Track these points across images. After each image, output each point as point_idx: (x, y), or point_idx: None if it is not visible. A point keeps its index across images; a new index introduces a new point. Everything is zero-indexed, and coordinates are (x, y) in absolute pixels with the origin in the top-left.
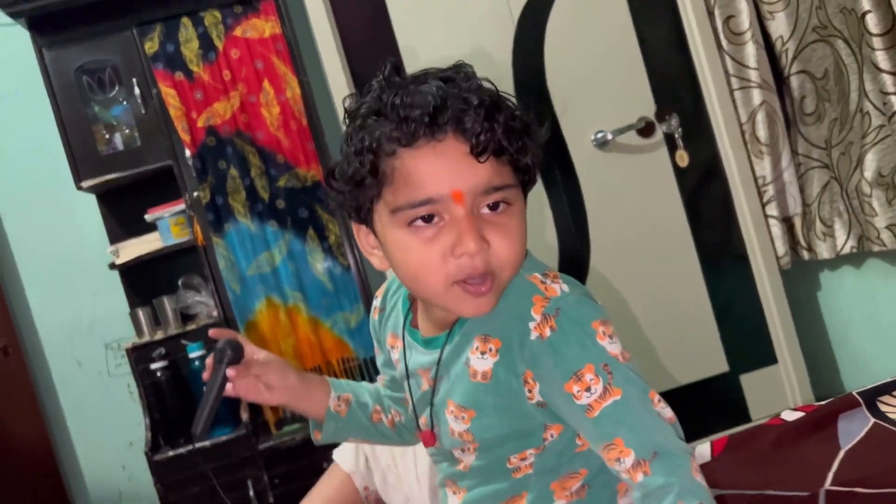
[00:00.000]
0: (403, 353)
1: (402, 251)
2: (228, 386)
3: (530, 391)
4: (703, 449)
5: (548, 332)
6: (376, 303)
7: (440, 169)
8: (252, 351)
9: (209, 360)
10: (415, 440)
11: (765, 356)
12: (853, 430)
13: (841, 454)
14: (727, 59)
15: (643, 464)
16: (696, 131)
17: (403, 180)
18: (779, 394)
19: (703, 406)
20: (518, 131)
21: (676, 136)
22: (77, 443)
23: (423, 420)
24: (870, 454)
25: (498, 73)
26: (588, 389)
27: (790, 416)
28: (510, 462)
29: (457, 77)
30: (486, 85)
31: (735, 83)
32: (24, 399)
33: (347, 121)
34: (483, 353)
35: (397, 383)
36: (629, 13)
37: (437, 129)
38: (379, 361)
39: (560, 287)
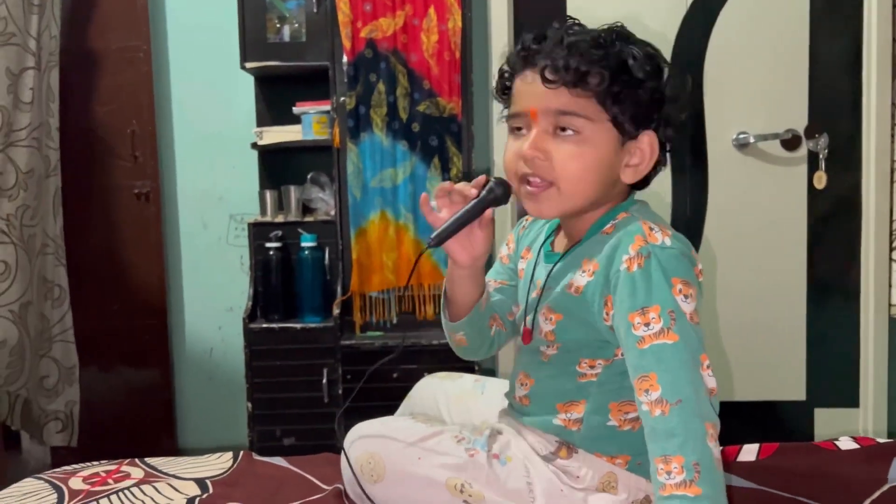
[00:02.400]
0: (533, 264)
1: (505, 150)
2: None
3: (607, 314)
4: (751, 448)
5: (634, 267)
6: (525, 222)
7: (525, 92)
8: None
9: (471, 187)
10: (492, 352)
11: (847, 397)
12: None
13: (885, 487)
14: None
15: (664, 403)
16: (843, 156)
17: (513, 97)
18: None
19: (766, 426)
20: (605, 73)
21: (821, 156)
22: (186, 294)
23: (528, 319)
24: None
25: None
26: (647, 325)
27: (846, 444)
28: (580, 365)
29: (576, 26)
30: (602, 35)
31: None
32: (153, 243)
33: None
34: (584, 272)
35: (506, 290)
36: (808, 21)
37: (529, 61)
38: (497, 269)
39: (664, 238)
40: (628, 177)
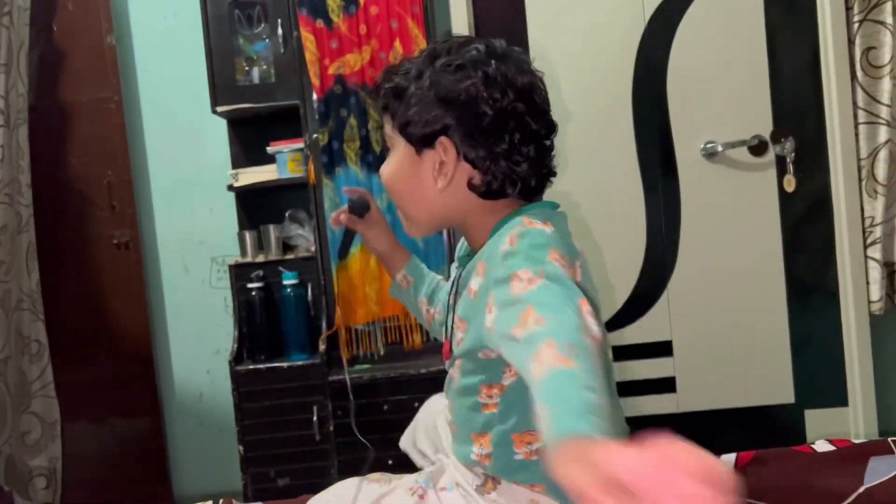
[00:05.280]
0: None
1: None
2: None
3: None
4: (728, 458)
5: (507, 247)
6: None
7: None
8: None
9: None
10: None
11: (836, 397)
12: (881, 471)
13: (861, 489)
14: (859, 90)
15: (540, 320)
16: (811, 159)
17: None
18: (842, 436)
19: (757, 431)
20: (393, 95)
21: (788, 159)
22: (172, 340)
23: (447, 325)
24: (891, 496)
25: (619, 67)
26: (520, 280)
27: (822, 446)
28: (480, 394)
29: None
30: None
31: (862, 116)
32: (135, 291)
33: None
34: (478, 274)
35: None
36: (764, 28)
37: None
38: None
39: (543, 226)
40: None
